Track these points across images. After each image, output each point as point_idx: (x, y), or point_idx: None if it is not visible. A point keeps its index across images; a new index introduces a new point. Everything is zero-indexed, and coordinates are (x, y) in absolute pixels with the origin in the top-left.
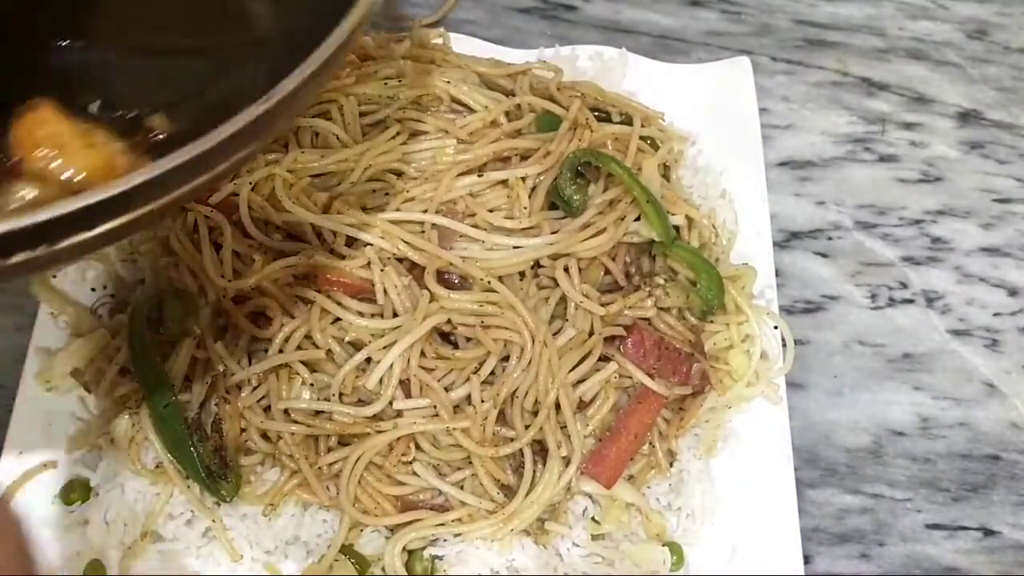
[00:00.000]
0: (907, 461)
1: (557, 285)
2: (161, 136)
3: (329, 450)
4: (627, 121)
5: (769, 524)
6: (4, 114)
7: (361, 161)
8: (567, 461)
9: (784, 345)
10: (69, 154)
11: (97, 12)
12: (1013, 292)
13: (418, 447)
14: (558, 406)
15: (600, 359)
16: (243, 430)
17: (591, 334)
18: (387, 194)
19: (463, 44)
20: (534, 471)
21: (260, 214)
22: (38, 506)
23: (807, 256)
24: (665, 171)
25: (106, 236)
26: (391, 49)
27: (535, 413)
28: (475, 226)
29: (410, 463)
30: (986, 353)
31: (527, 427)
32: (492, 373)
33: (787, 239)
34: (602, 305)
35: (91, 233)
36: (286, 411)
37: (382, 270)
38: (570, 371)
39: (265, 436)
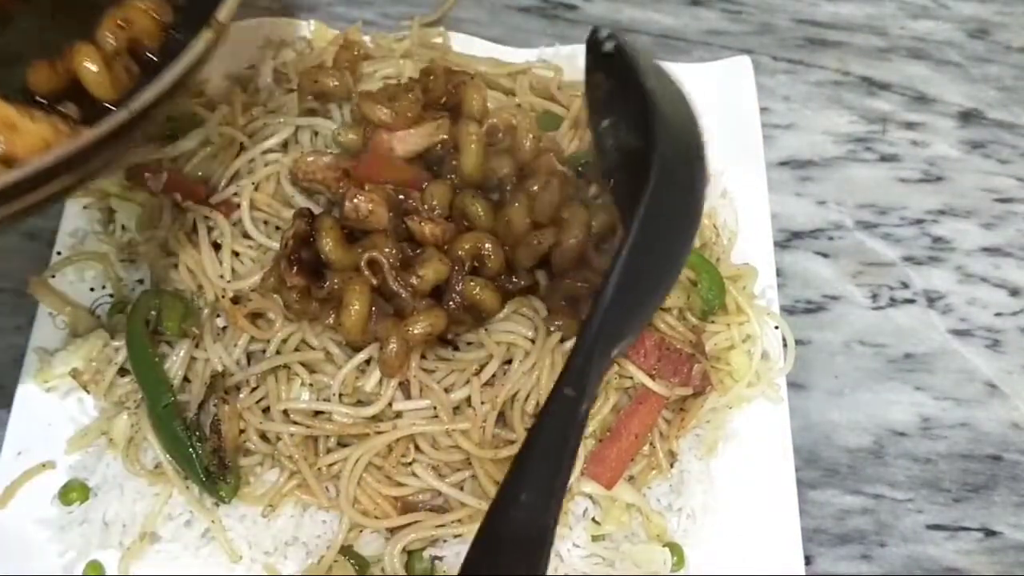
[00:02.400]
0: (908, 461)
1: None
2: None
3: (328, 451)
4: None
5: (770, 525)
6: None
7: None
8: None
9: (785, 345)
10: (19, 131)
11: None
12: (1014, 292)
13: (417, 448)
14: None
15: None
16: (242, 431)
17: None
18: None
19: (463, 43)
20: None
21: (268, 212)
22: (37, 506)
23: (808, 256)
24: None
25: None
26: (391, 49)
27: (535, 416)
28: None
29: (409, 464)
30: (987, 353)
31: (527, 430)
32: (492, 375)
33: (788, 239)
34: None
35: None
36: (285, 412)
37: None
38: None
39: (264, 437)
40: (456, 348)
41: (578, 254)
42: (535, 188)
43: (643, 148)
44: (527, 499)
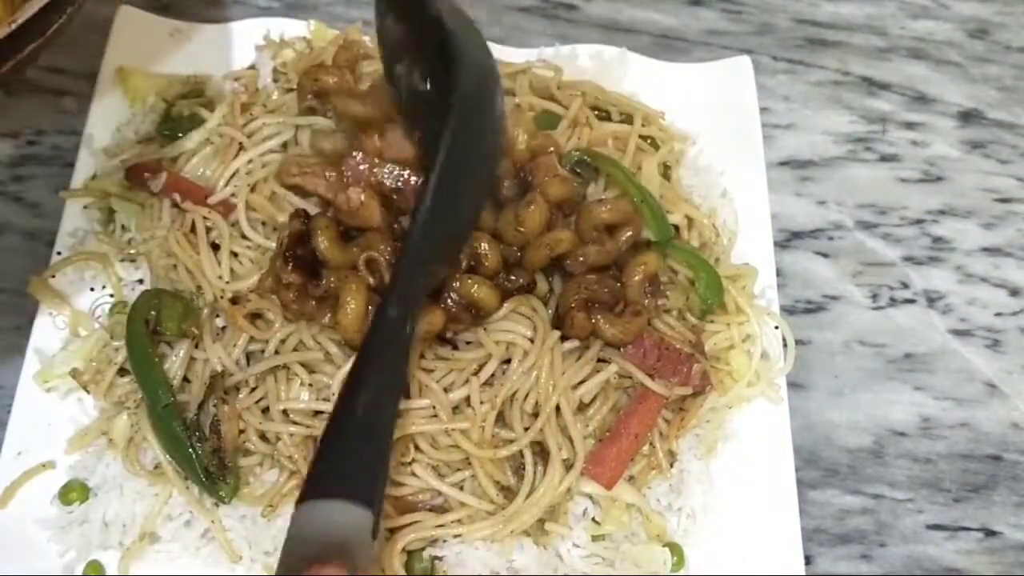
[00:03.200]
0: (908, 461)
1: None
2: None
3: None
4: (628, 120)
5: (770, 524)
6: None
7: None
8: (569, 464)
9: (785, 345)
10: None
11: None
12: (1014, 292)
13: (417, 448)
14: (558, 409)
15: (599, 359)
16: (241, 431)
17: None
18: None
19: None
20: (535, 473)
21: (262, 214)
22: (37, 507)
23: (808, 256)
24: (665, 171)
25: None
26: None
27: (534, 415)
28: None
29: (409, 464)
30: (987, 353)
31: (526, 429)
32: (491, 375)
33: (788, 239)
34: None
35: None
36: (285, 412)
37: None
38: (567, 373)
39: (264, 437)
40: (455, 347)
41: (599, 262)
42: (552, 193)
43: (443, 82)
44: (365, 401)
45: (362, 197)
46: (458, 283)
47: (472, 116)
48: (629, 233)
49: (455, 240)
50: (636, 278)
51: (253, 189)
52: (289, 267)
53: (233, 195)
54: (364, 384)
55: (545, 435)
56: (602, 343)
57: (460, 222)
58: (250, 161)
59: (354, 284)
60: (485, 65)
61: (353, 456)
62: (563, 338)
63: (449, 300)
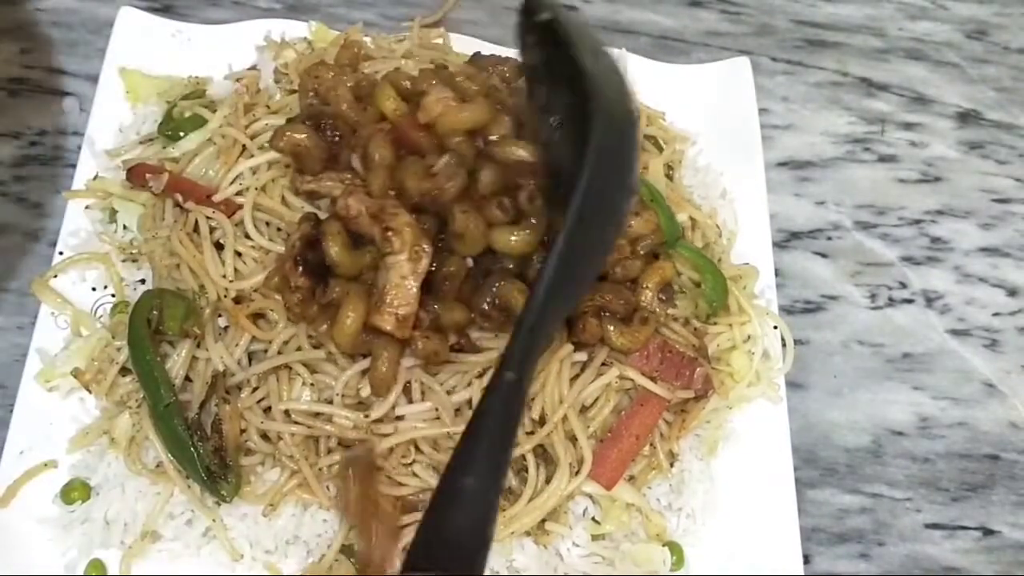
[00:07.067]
0: (906, 461)
1: None
2: None
3: (329, 451)
4: None
5: (769, 524)
6: None
7: None
8: (575, 470)
9: (784, 345)
10: None
11: None
12: (1012, 292)
13: (418, 449)
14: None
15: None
16: (243, 431)
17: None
18: None
19: (463, 44)
20: (537, 476)
21: (270, 216)
22: (39, 506)
23: (807, 256)
24: (668, 171)
25: None
26: (391, 49)
27: (536, 419)
28: None
29: (410, 464)
30: (985, 353)
31: (529, 434)
32: None
33: (787, 239)
34: None
35: None
36: (286, 412)
37: None
38: (574, 379)
39: (265, 437)
40: (460, 350)
41: (631, 275)
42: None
43: (579, 127)
44: (473, 484)
45: (363, 207)
46: (496, 287)
47: (606, 174)
48: (649, 240)
49: (575, 300)
50: (653, 282)
51: (262, 190)
52: (299, 271)
53: (237, 194)
54: (475, 458)
55: (553, 442)
56: (608, 349)
57: (583, 283)
58: (255, 163)
59: (355, 296)
60: (625, 115)
61: (455, 535)
62: (570, 341)
63: (486, 302)
